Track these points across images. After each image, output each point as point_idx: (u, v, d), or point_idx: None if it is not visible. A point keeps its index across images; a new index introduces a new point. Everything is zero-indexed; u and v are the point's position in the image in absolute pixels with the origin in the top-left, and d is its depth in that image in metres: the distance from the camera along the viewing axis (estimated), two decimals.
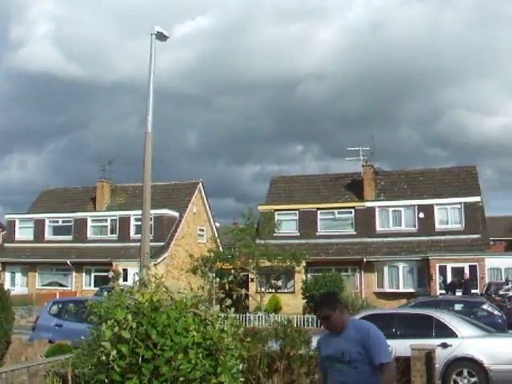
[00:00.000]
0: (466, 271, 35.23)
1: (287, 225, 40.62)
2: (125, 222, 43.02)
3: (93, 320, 8.03)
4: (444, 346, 12.70)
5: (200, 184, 46.02)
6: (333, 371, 5.77)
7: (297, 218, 41.60)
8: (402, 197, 41.49)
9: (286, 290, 38.96)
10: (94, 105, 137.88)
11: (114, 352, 5.58)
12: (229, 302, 6.22)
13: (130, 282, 6.29)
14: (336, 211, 41.28)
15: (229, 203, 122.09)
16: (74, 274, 43.11)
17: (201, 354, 5.59)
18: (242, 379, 5.91)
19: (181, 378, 5.45)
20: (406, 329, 13.08)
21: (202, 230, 46.08)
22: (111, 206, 46.06)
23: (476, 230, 38.86)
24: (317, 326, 26.90)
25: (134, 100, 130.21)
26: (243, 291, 7.18)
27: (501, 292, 29.51)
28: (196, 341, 5.59)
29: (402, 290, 36.95)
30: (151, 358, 5.49)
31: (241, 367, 5.98)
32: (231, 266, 30.95)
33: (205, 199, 46.80)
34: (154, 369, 5.46)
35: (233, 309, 6.27)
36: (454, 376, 12.77)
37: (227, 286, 6.50)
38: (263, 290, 33.73)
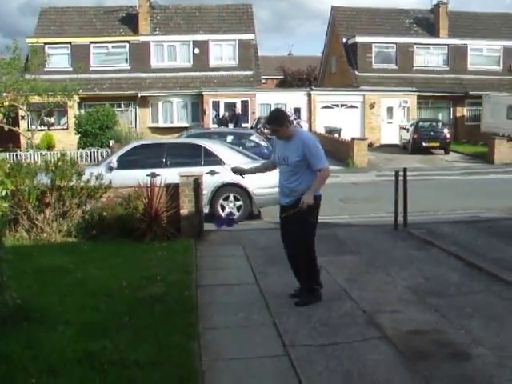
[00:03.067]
0: (238, 106, 36.76)
1: (59, 59, 38.46)
2: None
3: None
4: (212, 173, 13.41)
5: None
6: (280, 168, 7.31)
7: (69, 51, 39.62)
8: (178, 32, 41.13)
9: (59, 127, 37.83)
10: None
11: None
12: None
13: None
14: (110, 45, 39.90)
15: None
16: None
17: None
18: (6, 204, 5.88)
19: None
20: (176, 158, 13.52)
21: None
22: None
23: (249, 67, 40.11)
24: (90, 161, 26.86)
25: None
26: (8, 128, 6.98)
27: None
28: None
29: (176, 124, 37.57)
30: None
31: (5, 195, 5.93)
32: None
33: None
34: None
35: None
36: (221, 201, 13.68)
37: None
38: (34, 127, 32.53)
